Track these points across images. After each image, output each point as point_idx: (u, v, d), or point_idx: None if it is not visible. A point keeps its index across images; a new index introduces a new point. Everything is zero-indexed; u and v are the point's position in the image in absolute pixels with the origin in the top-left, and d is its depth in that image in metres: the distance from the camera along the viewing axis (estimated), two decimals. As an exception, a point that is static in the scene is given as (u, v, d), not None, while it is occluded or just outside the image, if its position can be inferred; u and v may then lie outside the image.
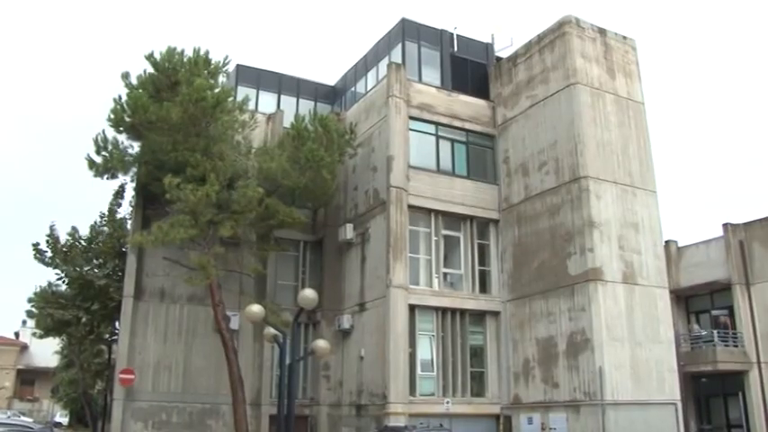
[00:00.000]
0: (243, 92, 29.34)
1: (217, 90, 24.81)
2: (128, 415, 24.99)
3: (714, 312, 33.43)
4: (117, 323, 29.85)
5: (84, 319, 31.86)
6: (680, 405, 24.46)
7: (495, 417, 26.27)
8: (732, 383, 31.49)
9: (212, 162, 24.12)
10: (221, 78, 26.06)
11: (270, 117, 30.57)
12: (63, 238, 31.25)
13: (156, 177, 24.44)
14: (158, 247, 24.31)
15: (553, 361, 24.52)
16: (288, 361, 23.34)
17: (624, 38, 28.01)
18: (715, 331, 31.38)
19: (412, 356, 25.12)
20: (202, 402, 26.41)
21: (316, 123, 27.32)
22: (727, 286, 32.47)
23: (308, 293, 23.34)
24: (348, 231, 27.95)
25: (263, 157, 26.52)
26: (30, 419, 42.44)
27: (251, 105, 28.62)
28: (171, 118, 23.53)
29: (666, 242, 31.91)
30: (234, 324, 26.43)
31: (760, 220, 32.34)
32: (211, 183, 23.42)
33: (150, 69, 24.76)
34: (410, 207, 26.24)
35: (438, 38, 30.07)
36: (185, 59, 24.83)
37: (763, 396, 30.43)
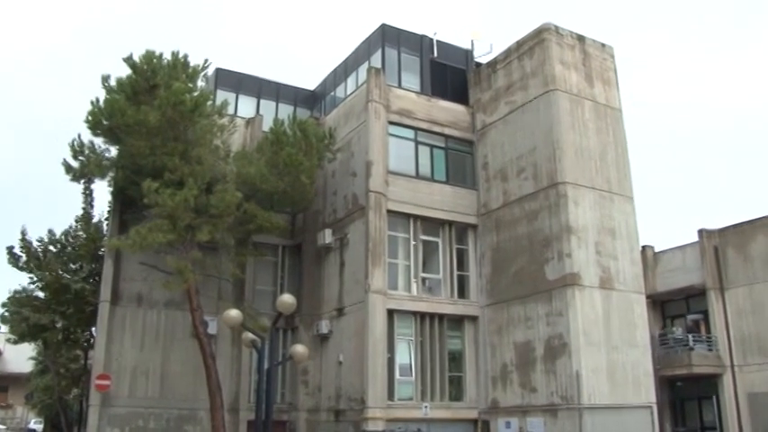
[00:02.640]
0: (222, 96, 29.17)
1: (195, 94, 24.67)
2: (104, 421, 24.73)
3: (689, 317, 33.76)
4: (93, 328, 29.55)
5: (59, 324, 31.53)
6: (655, 408, 24.70)
7: (474, 421, 26.34)
8: (706, 387, 31.83)
9: (190, 166, 24.01)
10: (200, 82, 25.94)
11: (249, 121, 30.50)
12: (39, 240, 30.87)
13: (133, 181, 24.28)
14: (136, 251, 24.09)
15: (531, 365, 24.65)
16: (266, 366, 23.25)
17: (603, 45, 28.26)
18: (690, 335, 31.69)
19: (390, 361, 25.15)
20: (180, 408, 26.22)
21: (295, 128, 27.30)
22: (702, 291, 32.83)
23: (287, 298, 23.28)
24: (327, 236, 27.94)
25: (241, 161, 26.46)
26: (3, 426, 41.92)
27: (230, 109, 28.58)
28: (149, 121, 23.38)
29: (643, 248, 32.28)
30: (212, 329, 26.28)
31: (734, 226, 32.74)
32: (190, 187, 23.31)
33: (128, 72, 24.60)
34: (389, 212, 26.28)
35: (418, 43, 30.16)
36: (164, 63, 24.68)
37: (737, 399, 30.79)
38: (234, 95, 31.80)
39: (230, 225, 25.79)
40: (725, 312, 32.07)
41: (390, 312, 25.42)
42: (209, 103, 25.98)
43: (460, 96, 30.05)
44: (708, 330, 32.52)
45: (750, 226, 32.07)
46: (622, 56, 51.99)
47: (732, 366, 31.27)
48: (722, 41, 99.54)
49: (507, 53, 28.70)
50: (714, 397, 31.72)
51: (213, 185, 25.07)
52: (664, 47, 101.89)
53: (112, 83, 24.43)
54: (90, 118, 24.25)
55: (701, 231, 33.36)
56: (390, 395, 24.79)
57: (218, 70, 31.80)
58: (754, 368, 30.58)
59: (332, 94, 32.81)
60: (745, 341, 31.24)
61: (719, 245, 32.85)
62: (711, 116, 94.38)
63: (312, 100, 34.37)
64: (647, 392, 24.59)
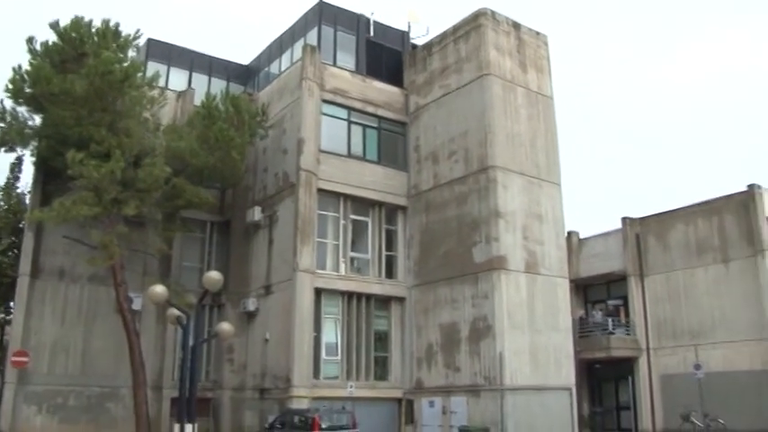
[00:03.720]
0: (153, 67, 28.54)
1: (125, 64, 24.09)
2: (20, 399, 24.09)
3: (610, 302, 34.78)
4: (11, 302, 28.67)
5: (-26, 297, 30.48)
6: (574, 390, 25.47)
7: (398, 400, 26.70)
8: (623, 369, 32.95)
9: (118, 138, 23.47)
10: (131, 52, 25.28)
11: (180, 95, 29.95)
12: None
13: (58, 152, 23.58)
14: (59, 224, 23.49)
15: (456, 346, 25.05)
16: (191, 343, 23.06)
17: (537, 33, 28.67)
18: (610, 320, 32.66)
19: (317, 340, 25.24)
20: (101, 385, 25.78)
21: (227, 103, 26.95)
22: (622, 277, 33.85)
23: (213, 275, 23.08)
24: (256, 213, 27.75)
25: (171, 135, 26.00)
26: None
27: (161, 82, 28.03)
28: (75, 91, 22.73)
29: (568, 233, 33.04)
30: (136, 305, 25.88)
31: (655, 215, 33.80)
32: (116, 159, 22.79)
33: (55, 39, 23.80)
34: (319, 191, 26.25)
35: (355, 23, 30.06)
36: (93, 30, 24.01)
37: (650, 380, 31.99)
38: (165, 67, 31.15)
39: (158, 200, 25.39)
40: (643, 298, 33.16)
41: (318, 291, 25.45)
42: (140, 74, 25.40)
43: (395, 78, 30.11)
44: (627, 315, 33.59)
45: (670, 216, 33.15)
46: (557, 44, 52.96)
47: (648, 350, 32.41)
48: (658, 36, 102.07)
49: (443, 36, 28.84)
50: (630, 378, 32.88)
51: (141, 159, 24.57)
52: (600, 38, 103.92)
53: (37, 47, 23.62)
54: (11, 86, 23.44)
55: (624, 219, 34.33)
56: (316, 374, 24.91)
57: (149, 41, 31.02)
58: (667, 351, 31.76)
59: (266, 69, 32.44)
60: (660, 326, 32.39)
61: (641, 233, 33.89)
62: (642, 108, 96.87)
63: (246, 75, 33.91)
64: (568, 374, 25.31)
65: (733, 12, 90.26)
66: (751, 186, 30.52)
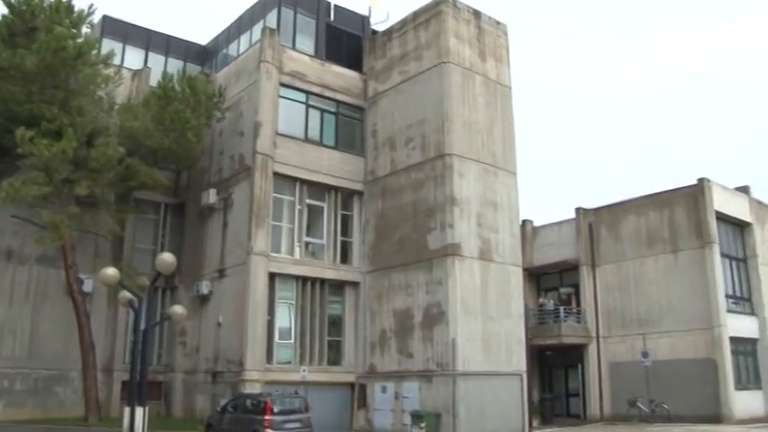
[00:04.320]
0: (108, 45, 28.09)
1: (79, 40, 23.73)
2: (-37, 382, 23.70)
3: (562, 290, 35.33)
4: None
5: None
6: (525, 376, 25.78)
7: (351, 385, 26.77)
8: (573, 356, 33.54)
9: (70, 117, 23.09)
10: (84, 29, 24.87)
11: (136, 74, 29.53)
12: None
13: (7, 129, 23.07)
14: (7, 204, 22.97)
15: (409, 332, 25.19)
16: (143, 326, 22.85)
17: (497, 23, 28.76)
18: (562, 308, 33.16)
19: (270, 324, 25.15)
20: (50, 368, 25.47)
21: (184, 84, 26.69)
22: (575, 266, 34.41)
23: (167, 257, 22.85)
24: (211, 196, 27.50)
25: (126, 114, 25.67)
26: None
27: (116, 60, 27.51)
28: (26, 66, 22.28)
29: (523, 222, 33.48)
30: (87, 287, 25.62)
31: (608, 206, 34.39)
32: (68, 138, 22.41)
33: (5, 12, 23.26)
34: (275, 174, 26.08)
35: (315, 6, 29.85)
36: (45, 4, 23.55)
37: (599, 367, 32.63)
38: (121, 45, 30.66)
39: (111, 180, 25.09)
40: (594, 287, 33.76)
41: (272, 275, 25.34)
42: (94, 51, 25.02)
43: (354, 63, 29.98)
44: (578, 303, 34.15)
45: (622, 207, 33.76)
46: (517, 34, 53.39)
47: (597, 338, 33.03)
48: (616, 30, 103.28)
49: (404, 23, 28.78)
50: (579, 365, 33.48)
51: (94, 138, 24.23)
52: (561, 30, 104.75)
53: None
54: (-44, 59, 22.86)
55: (577, 210, 34.86)
56: (269, 358, 24.83)
57: (104, 18, 30.46)
58: (616, 339, 32.42)
59: (224, 51, 32.09)
60: (610, 314, 33.02)
61: (594, 223, 34.44)
62: (600, 101, 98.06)
63: (203, 56, 33.50)
64: (519, 361, 25.62)
65: (694, 10, 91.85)
66: (701, 180, 31.23)
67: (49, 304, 25.75)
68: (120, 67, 28.07)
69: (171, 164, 27.98)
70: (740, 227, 33.56)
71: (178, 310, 24.31)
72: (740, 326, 30.97)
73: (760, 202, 34.98)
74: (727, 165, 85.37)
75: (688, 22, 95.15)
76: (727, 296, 30.98)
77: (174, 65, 31.34)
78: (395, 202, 26.94)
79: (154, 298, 26.32)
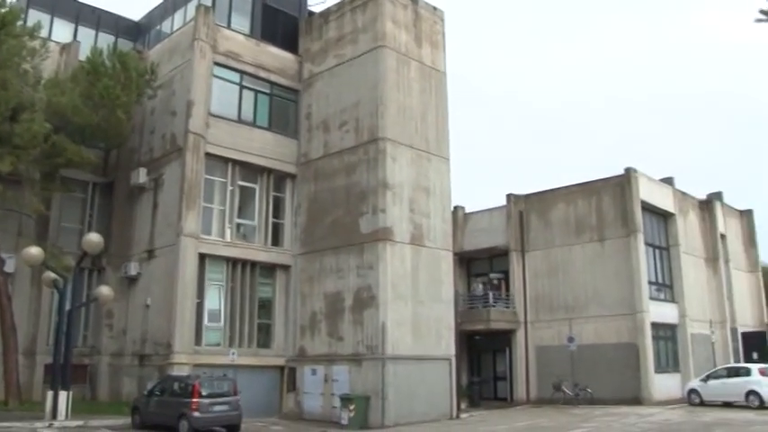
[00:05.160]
0: (35, 17, 27.20)
1: (3, 10, 22.94)
2: None
3: (492, 275, 35.84)
4: None
5: None
6: (454, 360, 26.12)
7: (280, 368, 26.71)
8: (501, 341, 34.19)
9: (-7, 90, 22.30)
10: (9, -3, 24.01)
11: (64, 48, 28.69)
12: None
13: (-77, 102, 22.19)
14: (-77, 179, 22.14)
15: (339, 316, 25.24)
16: (68, 307, 22.41)
17: (434, 9, 28.83)
18: (491, 293, 33.66)
19: (199, 306, 24.89)
20: (-33, 351, 24.64)
21: (114, 59, 26.16)
22: (505, 252, 34.94)
23: (93, 237, 22.51)
24: (141, 175, 27.01)
25: (53, 90, 24.98)
26: None
27: (44, 33, 26.65)
28: (-57, 36, 21.43)
29: (454, 208, 33.81)
30: (9, 267, 24.95)
31: (538, 193, 35.00)
32: (-10, 113, 21.68)
33: None
34: (207, 155, 25.75)
35: (251, -15, 29.38)
36: (-35, -28, 22.65)
37: (527, 352, 33.31)
38: (48, 18, 29.60)
39: (36, 157, 24.43)
40: (523, 273, 34.39)
41: (202, 257, 25.07)
42: (19, 22, 24.25)
43: (290, 44, 29.68)
44: (507, 289, 34.73)
45: (552, 194, 34.41)
46: (454, 19, 53.75)
47: (525, 323, 33.69)
48: (552, 20, 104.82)
49: (341, 5, 28.61)
50: (507, 350, 34.12)
51: (19, 113, 23.51)
52: (501, 16, 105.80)
53: None
54: None
55: (508, 196, 35.37)
56: (198, 341, 24.57)
57: (31, -14, 29.41)
58: (543, 324, 33.15)
59: (157, 27, 31.35)
60: (538, 300, 33.72)
61: (524, 210, 35.02)
62: (535, 90, 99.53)
63: (136, 32, 32.69)
64: (448, 345, 25.94)
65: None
66: (627, 170, 32.05)
67: (-33, 284, 24.91)
68: (48, 39, 27.17)
69: (100, 142, 27.34)
70: (664, 217, 34.60)
71: (105, 291, 24.02)
72: (661, 312, 32.03)
73: (683, 193, 36.17)
74: (655, 156, 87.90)
75: (628, 9, 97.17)
76: (650, 283, 31.97)
77: (105, 40, 30.53)
78: (328, 185, 26.88)
79: (80, 279, 26.01)
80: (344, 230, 25.69)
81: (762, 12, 9.22)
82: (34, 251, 21.77)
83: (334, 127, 27.23)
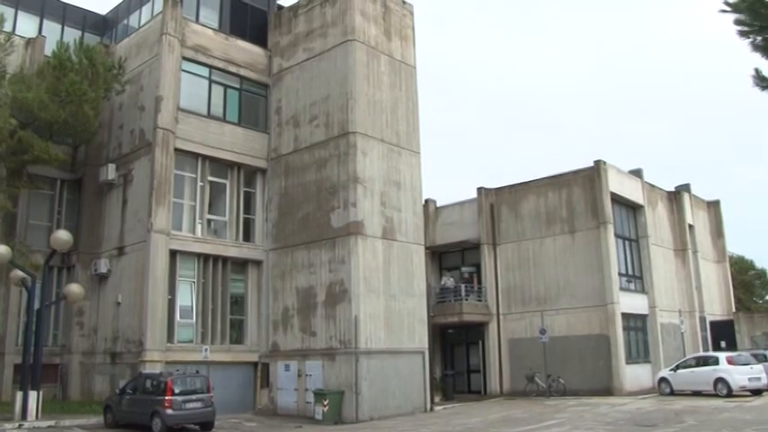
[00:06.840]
0: (-2, 10, 26.70)
1: (-35, 3, 22.50)
2: None
3: (464, 269, 35.99)
4: None
5: None
6: (427, 353, 26.21)
7: (254, 364, 26.64)
8: (474, 334, 34.37)
9: (-45, 85, 21.93)
10: (-29, -9, 23.62)
11: (29, 42, 28.26)
12: None
13: None
14: None
15: (312, 310, 25.21)
16: (37, 306, 22.13)
17: (404, 2, 28.84)
18: (463, 286, 33.80)
19: (171, 303, 24.72)
20: (-66, 351, 24.28)
21: (81, 54, 25.82)
22: (476, 245, 35.08)
23: (62, 235, 22.27)
24: (110, 172, 26.76)
25: (18, 85, 24.61)
26: None
27: (8, 27, 26.26)
28: None
29: (426, 201, 33.89)
30: (-25, 265, 24.47)
31: (509, 186, 35.16)
32: (-47, 108, 21.31)
33: None
34: (177, 150, 25.54)
35: (219, -22, 29.16)
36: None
37: (499, 344, 33.52)
38: (12, 11, 29.05)
39: (2, 154, 24.03)
40: (495, 266, 34.56)
41: (173, 253, 24.87)
42: (-18, 17, 23.79)
43: (259, 38, 29.52)
44: (479, 282, 34.89)
45: (523, 187, 34.61)
46: (423, 13, 53.76)
47: (498, 315, 33.88)
48: (526, 17, 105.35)
49: (310, -1, 28.50)
50: (480, 342, 34.31)
51: (-17, 109, 23.10)
52: (468, 10, 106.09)
53: None
54: None
55: (479, 189, 35.50)
56: (170, 338, 24.41)
57: (-5, -20, 28.90)
58: (515, 317, 33.37)
59: (125, 21, 30.96)
60: (510, 292, 33.92)
61: (495, 203, 35.19)
62: (506, 85, 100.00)
63: (103, 26, 32.25)
64: (421, 338, 26.02)
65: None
66: (597, 162, 32.33)
67: (-68, 284, 24.54)
68: (12, 34, 26.82)
69: (67, 137, 26.95)
70: (633, 208, 35.00)
71: (75, 289, 23.76)
72: (631, 303, 32.41)
73: (651, 185, 36.59)
74: (622, 149, 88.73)
75: (599, 4, 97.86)
76: (620, 274, 32.31)
77: (72, 34, 30.02)
78: (298, 179, 26.80)
79: (49, 277, 25.65)
80: (316, 225, 25.65)
81: (725, 2, 9.43)
82: (1, 249, 21.47)
83: (304, 121, 27.15)
